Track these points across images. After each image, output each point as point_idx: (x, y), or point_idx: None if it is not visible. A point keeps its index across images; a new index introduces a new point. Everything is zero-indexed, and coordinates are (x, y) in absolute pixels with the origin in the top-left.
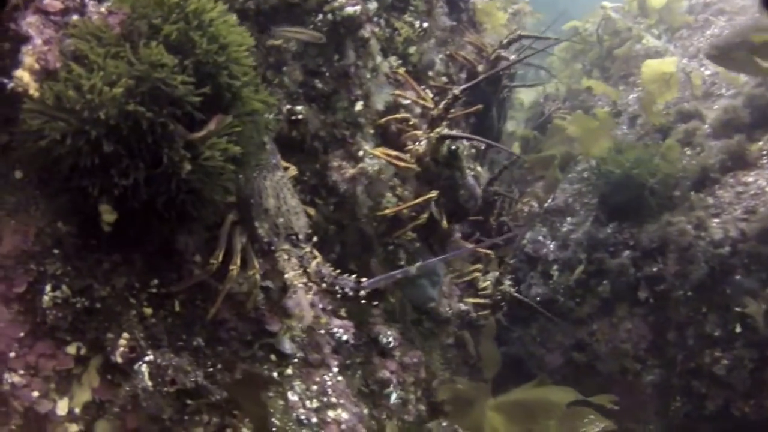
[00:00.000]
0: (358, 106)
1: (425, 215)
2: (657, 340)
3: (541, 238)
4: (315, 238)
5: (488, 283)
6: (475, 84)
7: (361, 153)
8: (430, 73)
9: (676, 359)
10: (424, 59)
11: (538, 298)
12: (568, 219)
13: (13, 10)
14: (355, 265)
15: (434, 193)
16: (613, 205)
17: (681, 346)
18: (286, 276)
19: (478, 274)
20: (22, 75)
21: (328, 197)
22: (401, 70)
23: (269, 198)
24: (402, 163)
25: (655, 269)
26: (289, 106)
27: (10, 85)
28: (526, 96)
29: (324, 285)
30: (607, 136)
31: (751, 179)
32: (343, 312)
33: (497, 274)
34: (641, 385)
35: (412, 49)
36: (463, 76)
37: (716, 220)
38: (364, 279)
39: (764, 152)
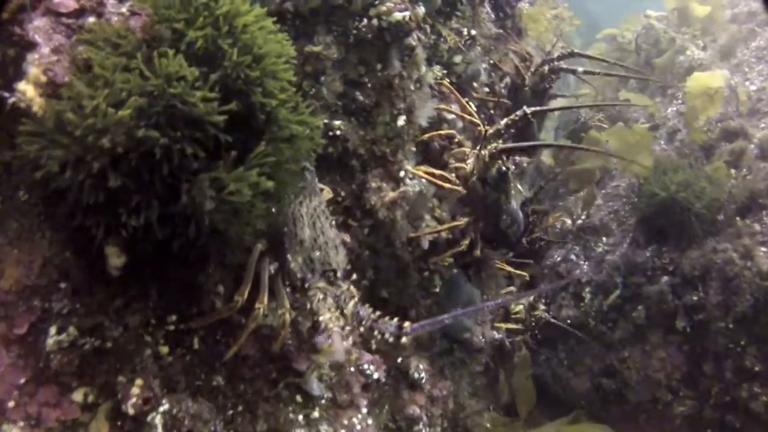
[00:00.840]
0: (401, 120)
1: (466, 241)
2: (692, 370)
3: (573, 257)
4: (353, 275)
5: (521, 307)
6: (520, 94)
7: (402, 173)
8: (475, 84)
9: (710, 391)
10: (469, 69)
11: (568, 321)
12: (604, 239)
13: (19, 10)
14: (387, 292)
15: (471, 218)
16: (655, 227)
17: (717, 378)
18: (321, 318)
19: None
20: (26, 88)
21: (363, 219)
22: (446, 82)
23: (305, 228)
24: (447, 184)
25: (695, 298)
26: (326, 121)
27: (12, 99)
28: (555, 102)
29: (362, 329)
30: (647, 152)
31: None
32: (373, 343)
33: (531, 298)
34: (672, 415)
35: (457, 59)
36: (504, 86)
37: (763, 249)
38: (407, 324)
39: None
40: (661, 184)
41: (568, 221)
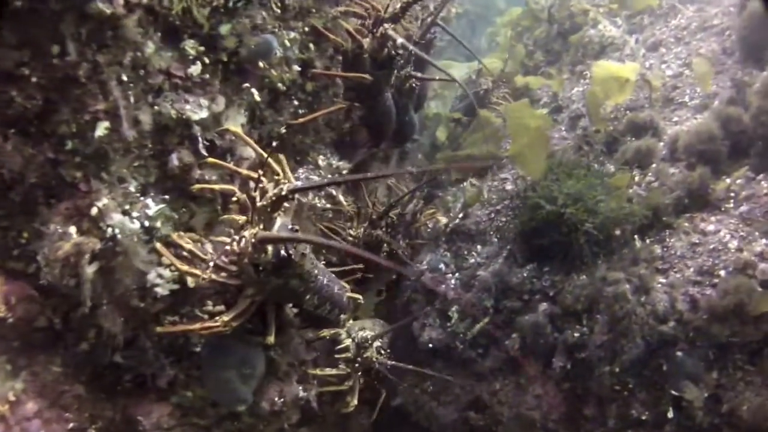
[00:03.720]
0: (101, 129)
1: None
2: (571, 412)
3: (442, 266)
4: None
5: (349, 342)
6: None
7: (95, 210)
8: (262, 65)
9: None
10: (252, 44)
11: (430, 345)
12: (478, 247)
13: None
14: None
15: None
16: (536, 244)
17: (599, 423)
18: None
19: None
20: None
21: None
22: (194, 69)
23: None
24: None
25: (577, 335)
26: None
27: None
28: (457, 71)
29: None
30: (544, 143)
31: (711, 227)
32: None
33: (366, 332)
34: None
35: (225, 29)
36: (332, 61)
37: (663, 280)
38: None
39: (732, 194)
40: (548, 194)
41: (443, 220)
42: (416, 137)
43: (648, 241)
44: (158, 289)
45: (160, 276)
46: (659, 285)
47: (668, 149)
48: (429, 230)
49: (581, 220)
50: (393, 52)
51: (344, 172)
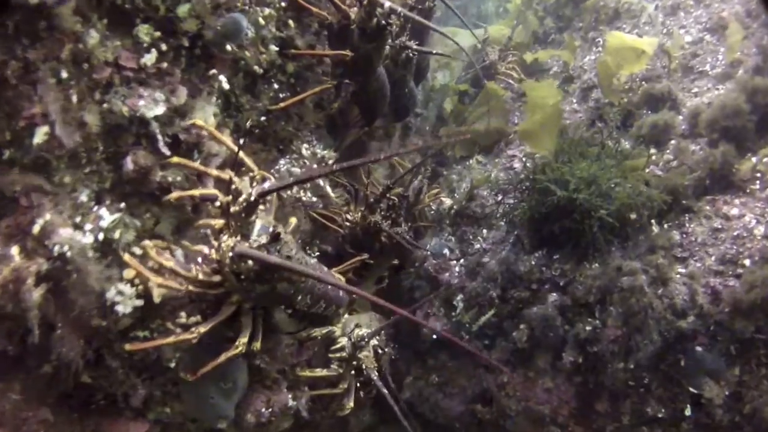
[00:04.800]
0: (40, 135)
1: None
2: (583, 408)
3: (446, 251)
4: None
5: (344, 341)
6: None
7: (37, 228)
8: (229, 48)
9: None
10: (218, 24)
11: (434, 336)
12: (484, 232)
13: None
14: None
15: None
16: (546, 231)
17: (612, 419)
18: None
19: (335, 329)
20: None
21: None
22: (148, 58)
23: None
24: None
25: (589, 328)
26: None
27: None
28: (463, 39)
29: None
30: (556, 120)
31: (735, 211)
32: None
33: (362, 329)
34: None
35: (183, 9)
36: (316, 36)
37: (682, 270)
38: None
39: (758, 174)
40: (560, 177)
41: (447, 201)
42: (420, 111)
43: (666, 226)
44: (119, 308)
45: (120, 293)
46: (678, 275)
47: (688, 124)
48: (433, 212)
49: (595, 206)
50: (383, 21)
51: (329, 161)
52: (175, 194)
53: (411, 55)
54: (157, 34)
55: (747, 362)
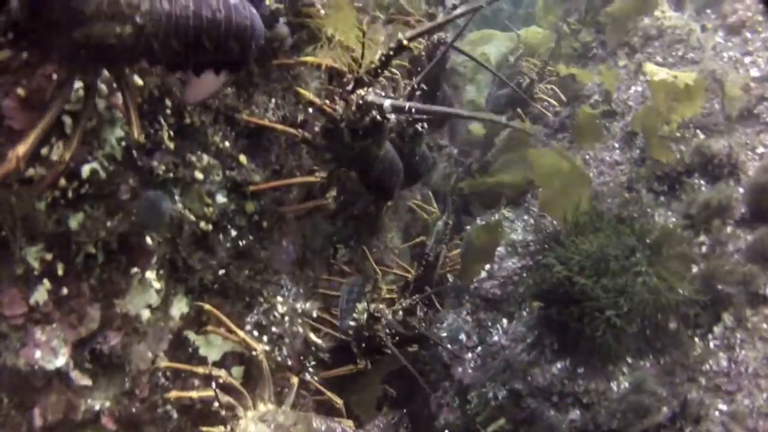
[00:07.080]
0: None
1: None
2: None
3: (463, 336)
4: None
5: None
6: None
7: None
8: (151, 241)
9: None
10: None
11: (447, 431)
12: (504, 322)
13: None
14: None
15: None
16: (554, 322)
17: None
18: None
19: None
20: None
21: None
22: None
23: None
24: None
25: None
26: None
27: None
28: (495, 47)
29: None
30: (585, 185)
31: None
32: None
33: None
34: None
35: (74, 222)
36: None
37: (722, 407)
38: None
39: None
40: (562, 251)
41: None
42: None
43: (711, 344)
44: None
45: None
46: (716, 413)
47: (747, 205)
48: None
49: (599, 297)
50: (379, 117)
51: (313, 313)
52: None
53: (420, 129)
54: (48, 256)
55: None
